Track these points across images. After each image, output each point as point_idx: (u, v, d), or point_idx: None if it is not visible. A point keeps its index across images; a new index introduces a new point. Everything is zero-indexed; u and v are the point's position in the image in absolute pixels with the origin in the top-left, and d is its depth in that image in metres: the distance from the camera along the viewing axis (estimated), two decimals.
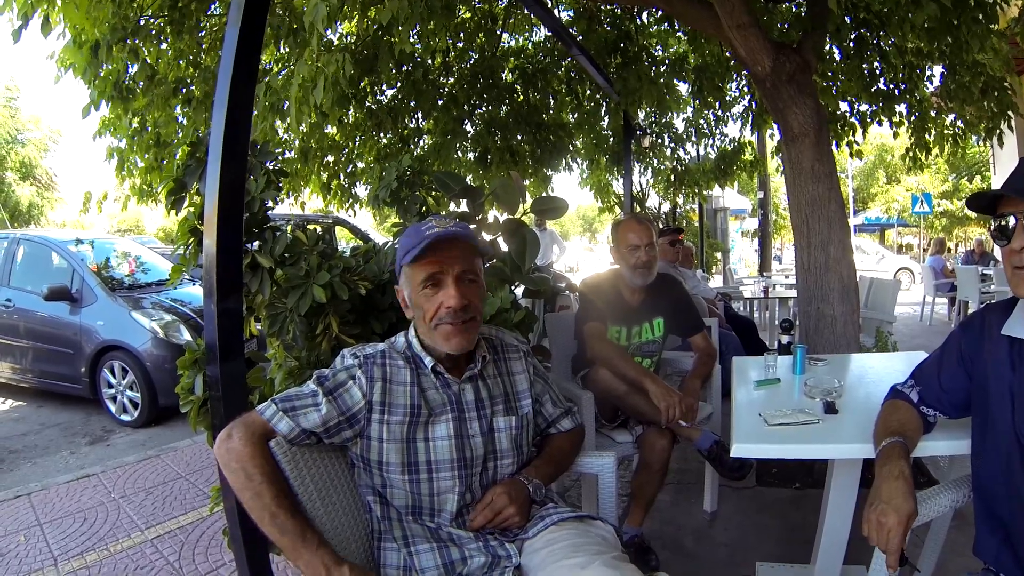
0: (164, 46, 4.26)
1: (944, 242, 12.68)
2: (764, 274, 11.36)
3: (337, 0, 2.67)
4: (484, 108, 6.36)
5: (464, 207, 2.64)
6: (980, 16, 3.98)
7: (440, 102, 5.95)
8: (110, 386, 5.48)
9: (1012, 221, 1.24)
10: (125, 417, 5.41)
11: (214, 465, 3.95)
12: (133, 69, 4.12)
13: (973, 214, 22.58)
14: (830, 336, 3.55)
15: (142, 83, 4.20)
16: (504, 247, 2.57)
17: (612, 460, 1.78)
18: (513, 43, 7.06)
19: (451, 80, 6.10)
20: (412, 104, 5.86)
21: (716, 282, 11.18)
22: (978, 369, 1.40)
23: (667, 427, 2.50)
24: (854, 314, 3.59)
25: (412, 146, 6.25)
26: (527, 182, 6.99)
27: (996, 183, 11.11)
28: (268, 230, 1.87)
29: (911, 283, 16.34)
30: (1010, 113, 5.18)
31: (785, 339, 2.76)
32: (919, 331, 9.00)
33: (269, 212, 1.92)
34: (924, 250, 19.43)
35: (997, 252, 10.15)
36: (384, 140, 6.09)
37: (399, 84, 5.68)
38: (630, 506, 2.71)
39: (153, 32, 4.08)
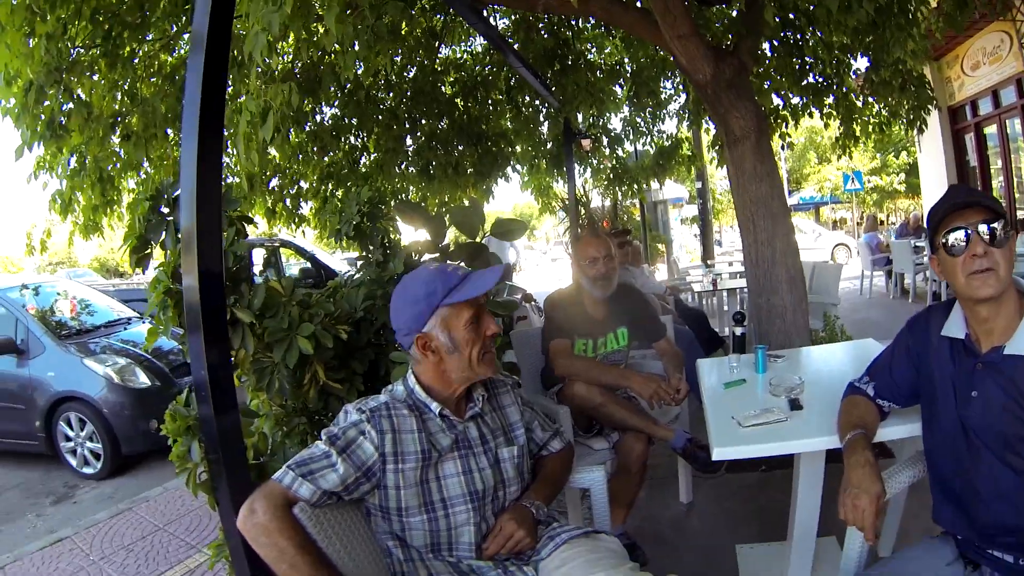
0: (97, 77, 4.13)
1: (877, 218, 13.30)
2: (708, 263, 11.65)
3: (279, 31, 2.69)
4: (425, 122, 6.38)
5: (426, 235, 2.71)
6: (903, 21, 4.21)
7: (380, 119, 5.95)
8: (68, 439, 5.27)
9: (963, 234, 1.39)
10: (88, 470, 5.22)
11: (191, 512, 3.90)
12: (67, 107, 3.99)
13: (902, 187, 23.73)
14: (781, 325, 3.74)
15: (78, 122, 4.07)
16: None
17: (602, 474, 1.88)
18: (451, 53, 7.06)
19: (391, 95, 6.11)
20: (354, 123, 5.84)
21: (662, 274, 11.42)
22: (924, 364, 1.58)
23: (642, 430, 2.64)
24: (802, 303, 3.79)
25: (356, 165, 6.23)
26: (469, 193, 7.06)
27: (921, 159, 11.69)
28: (244, 283, 1.89)
29: (848, 257, 17.07)
30: (930, 106, 5.53)
31: (739, 331, 2.90)
32: (860, 305, 9.45)
33: None
34: (858, 224, 20.24)
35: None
36: (327, 159, 6.06)
37: (339, 103, 5.66)
38: (611, 507, 2.81)
39: (86, 64, 3.97)
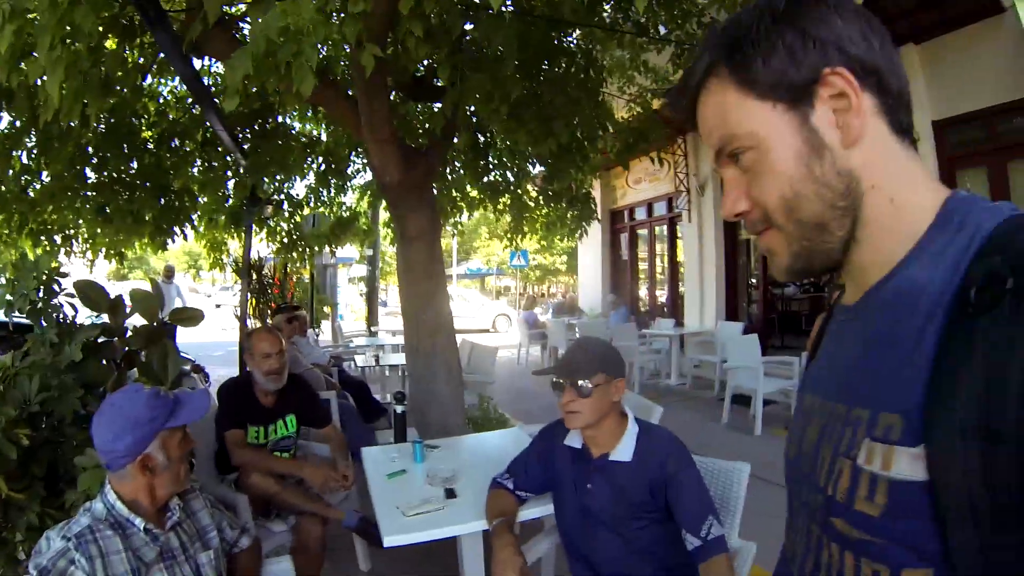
0: None
1: (535, 299, 15.43)
2: (372, 329, 12.15)
3: None
4: (112, 161, 5.75)
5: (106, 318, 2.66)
6: (578, 158, 5.12)
7: (65, 146, 5.24)
8: None
9: (559, 386, 2.02)
10: None
11: None
12: None
13: (564, 267, 27.67)
14: (439, 410, 4.23)
15: None
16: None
17: (289, 565, 2.13)
18: (153, 84, 6.41)
19: (82, 127, 5.41)
20: (32, 138, 5.04)
21: (326, 335, 11.58)
22: (552, 464, 2.18)
23: (317, 513, 2.95)
24: (458, 391, 4.37)
25: (25, 191, 5.36)
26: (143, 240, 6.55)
27: (581, 248, 13.87)
28: None
29: (508, 326, 19.21)
30: (592, 219, 6.80)
31: (399, 408, 3.34)
32: (517, 373, 10.55)
33: None
34: (520, 295, 22.93)
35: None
36: None
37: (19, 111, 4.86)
38: None
39: None
